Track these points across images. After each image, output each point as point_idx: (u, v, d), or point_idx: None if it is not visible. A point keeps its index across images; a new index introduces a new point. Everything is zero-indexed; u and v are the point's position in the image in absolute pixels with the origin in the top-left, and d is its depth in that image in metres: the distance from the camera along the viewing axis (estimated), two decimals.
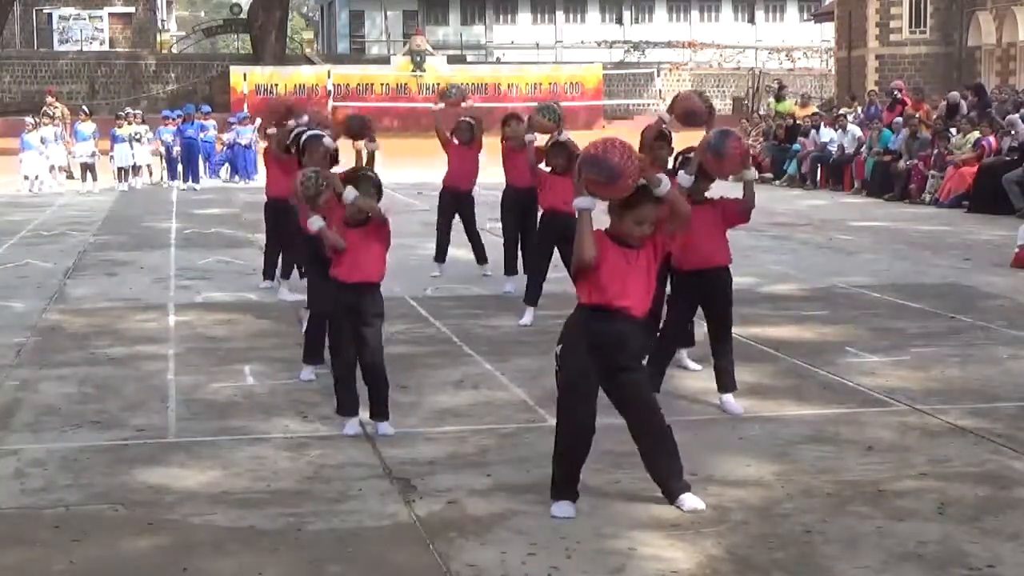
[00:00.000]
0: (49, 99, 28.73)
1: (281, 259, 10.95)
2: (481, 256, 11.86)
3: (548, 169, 9.44)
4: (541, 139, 9.64)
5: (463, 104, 11.70)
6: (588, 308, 5.19)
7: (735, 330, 9.08)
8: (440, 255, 11.94)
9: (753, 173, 6.76)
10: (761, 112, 29.86)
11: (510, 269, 11.08)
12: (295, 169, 8.55)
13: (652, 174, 5.12)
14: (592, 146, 5.13)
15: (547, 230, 9.54)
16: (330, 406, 6.79)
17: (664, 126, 7.58)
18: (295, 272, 10.48)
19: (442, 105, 11.68)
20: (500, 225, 11.26)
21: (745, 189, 6.71)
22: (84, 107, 28.03)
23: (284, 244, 10.65)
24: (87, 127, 25.14)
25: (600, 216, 5.18)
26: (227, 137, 26.18)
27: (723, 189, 7.02)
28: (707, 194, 6.78)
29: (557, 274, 9.86)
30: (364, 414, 6.66)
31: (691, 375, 7.71)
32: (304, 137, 8.05)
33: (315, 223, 6.52)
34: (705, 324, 7.16)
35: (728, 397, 6.94)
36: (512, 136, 10.65)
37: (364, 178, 6.55)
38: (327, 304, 7.73)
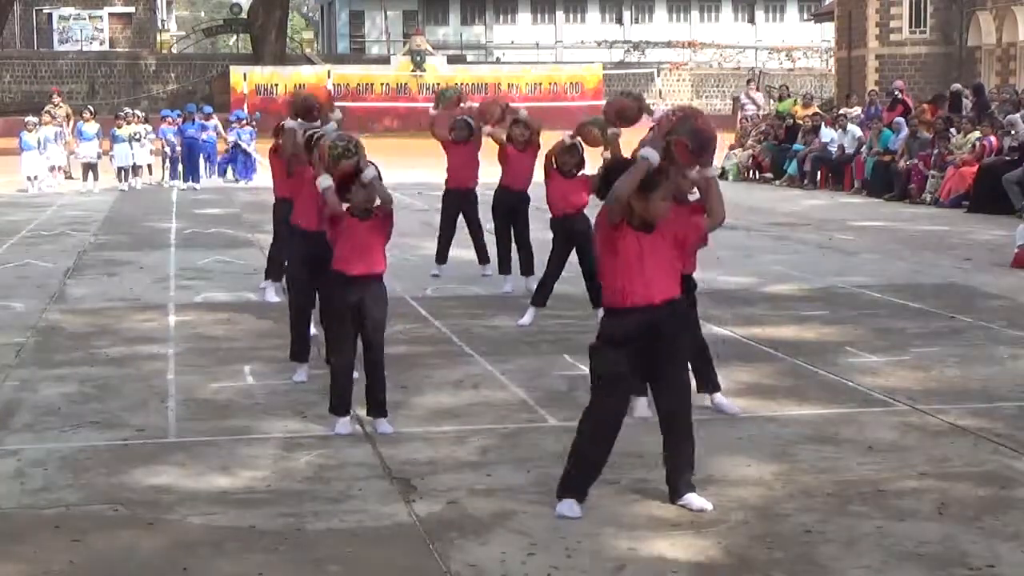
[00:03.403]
0: (55, 99, 28.69)
1: (273, 259, 10.85)
2: (483, 255, 11.85)
3: (557, 169, 9.42)
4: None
5: (461, 105, 11.68)
6: (609, 309, 5.22)
7: (735, 330, 9.12)
8: (441, 256, 11.92)
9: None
10: (757, 112, 29.72)
11: (505, 268, 11.09)
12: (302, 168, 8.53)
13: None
14: (687, 111, 5.30)
15: (559, 233, 9.44)
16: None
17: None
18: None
19: (435, 112, 11.68)
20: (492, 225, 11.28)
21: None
22: (89, 107, 27.97)
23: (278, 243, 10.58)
24: (91, 127, 25.11)
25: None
26: (230, 138, 26.17)
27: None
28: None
29: (565, 274, 9.85)
30: (363, 412, 6.67)
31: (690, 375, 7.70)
32: (316, 135, 8.01)
33: (324, 181, 6.52)
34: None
35: (719, 397, 6.93)
36: (516, 139, 10.69)
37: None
38: (310, 300, 7.75)
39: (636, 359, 5.21)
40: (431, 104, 12.01)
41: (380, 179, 6.54)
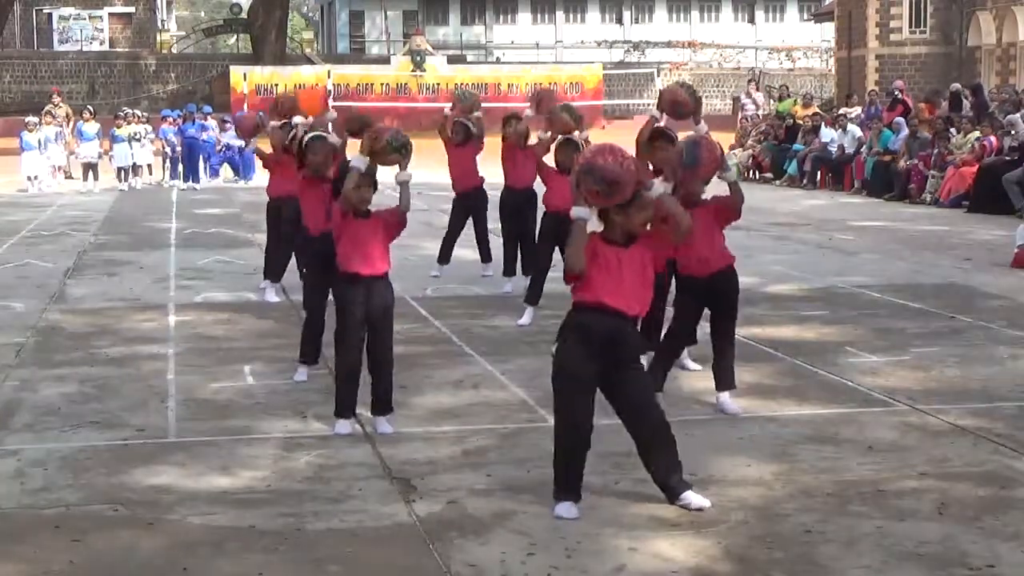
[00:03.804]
0: (55, 99, 28.70)
1: (272, 259, 10.84)
2: (486, 255, 11.83)
3: (554, 168, 9.44)
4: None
5: (474, 113, 11.57)
6: (582, 306, 5.21)
7: (736, 330, 9.10)
8: (444, 257, 11.89)
9: (733, 174, 6.79)
10: (756, 112, 29.70)
11: (509, 270, 11.08)
12: (293, 168, 8.54)
13: (644, 178, 5.19)
14: (589, 155, 5.15)
15: (549, 229, 9.52)
16: (329, 406, 6.76)
17: (662, 125, 7.67)
18: (289, 275, 10.41)
19: (450, 112, 11.66)
20: (499, 225, 11.26)
21: (731, 190, 6.77)
22: (89, 107, 27.97)
23: (279, 243, 10.57)
24: (91, 127, 25.11)
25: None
26: (226, 137, 26.15)
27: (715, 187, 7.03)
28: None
29: (557, 274, 9.84)
30: (366, 411, 6.67)
31: (691, 375, 7.71)
32: (307, 138, 8.03)
33: (360, 163, 6.35)
34: (709, 323, 7.17)
35: (725, 396, 6.95)
36: (512, 135, 10.68)
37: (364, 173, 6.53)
38: (323, 302, 7.74)
39: (597, 361, 5.20)
40: (430, 103, 12.02)
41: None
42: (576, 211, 5.11)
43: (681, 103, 7.39)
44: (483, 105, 12.07)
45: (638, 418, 5.30)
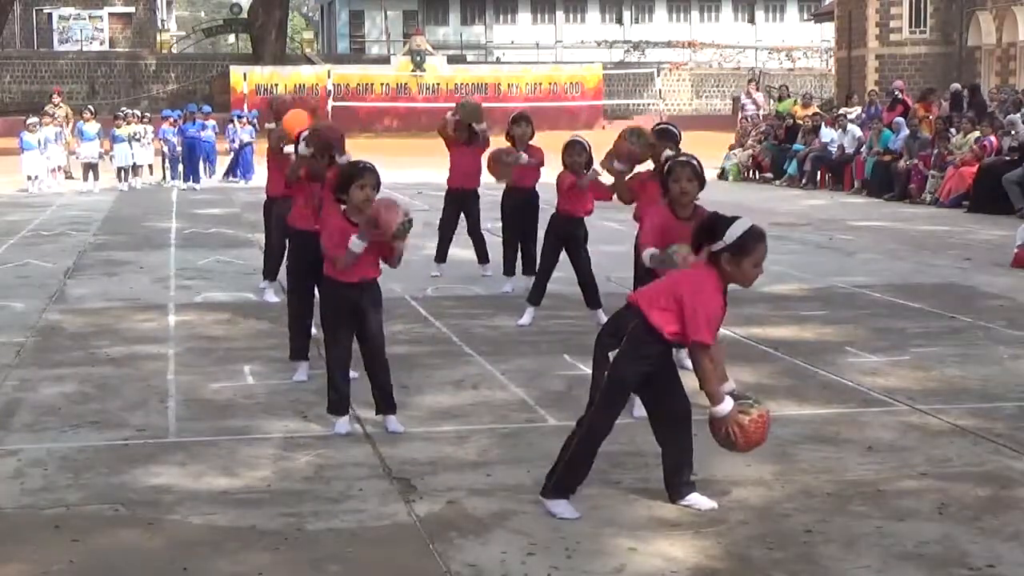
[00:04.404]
0: (56, 99, 28.69)
1: (271, 258, 10.83)
2: (483, 256, 11.84)
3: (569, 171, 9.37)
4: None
5: (474, 125, 11.40)
6: (671, 339, 5.18)
7: (735, 330, 9.12)
8: (441, 256, 11.92)
9: None
10: (756, 112, 29.70)
11: (509, 270, 11.08)
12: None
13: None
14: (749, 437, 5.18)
15: (556, 230, 9.46)
16: None
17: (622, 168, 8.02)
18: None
19: (456, 117, 11.54)
20: (500, 225, 11.26)
21: None
22: (89, 107, 27.97)
23: (277, 242, 10.55)
24: (92, 127, 25.11)
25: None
26: (235, 140, 26.15)
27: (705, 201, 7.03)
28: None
29: (557, 274, 9.86)
30: (370, 413, 6.67)
31: (690, 375, 7.69)
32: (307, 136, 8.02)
33: (359, 246, 6.32)
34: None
35: None
36: (519, 138, 10.66)
37: (366, 171, 6.48)
38: (308, 302, 7.75)
39: (648, 365, 5.26)
40: (430, 103, 11.98)
41: (376, 179, 6.55)
42: (722, 408, 5.14)
43: (632, 154, 7.84)
44: (483, 105, 12.02)
45: (671, 411, 5.30)
